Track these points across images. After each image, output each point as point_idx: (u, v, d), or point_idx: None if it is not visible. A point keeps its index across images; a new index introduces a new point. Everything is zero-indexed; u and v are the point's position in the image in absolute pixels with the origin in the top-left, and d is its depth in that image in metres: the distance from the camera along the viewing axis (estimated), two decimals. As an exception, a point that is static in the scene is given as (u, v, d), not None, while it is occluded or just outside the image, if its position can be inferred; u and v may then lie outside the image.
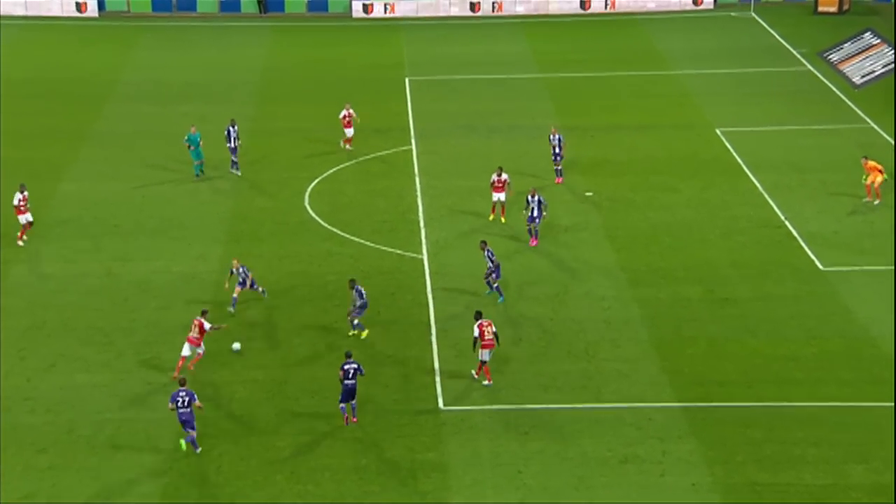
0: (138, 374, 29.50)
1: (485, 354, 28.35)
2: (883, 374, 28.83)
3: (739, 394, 28.17)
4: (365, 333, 30.73)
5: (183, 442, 26.49)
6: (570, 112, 48.01)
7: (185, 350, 29.39)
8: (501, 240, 35.96)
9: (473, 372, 28.68)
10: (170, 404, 26.48)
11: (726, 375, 28.96)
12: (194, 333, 29.25)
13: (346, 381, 27.26)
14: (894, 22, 54.17)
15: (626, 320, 31.66)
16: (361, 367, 27.55)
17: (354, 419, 27.62)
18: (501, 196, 37.35)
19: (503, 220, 37.32)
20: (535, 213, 35.46)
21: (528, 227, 35.77)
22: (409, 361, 29.96)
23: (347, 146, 43.43)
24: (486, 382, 28.56)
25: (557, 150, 40.20)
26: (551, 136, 40.35)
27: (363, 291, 30.63)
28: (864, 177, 38.21)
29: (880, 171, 38.01)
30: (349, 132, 43.23)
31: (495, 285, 32.61)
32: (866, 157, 38.58)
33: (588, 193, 40.00)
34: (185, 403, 26.31)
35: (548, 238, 36.54)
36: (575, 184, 40.68)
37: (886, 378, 28.63)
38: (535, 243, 35.74)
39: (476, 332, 28.28)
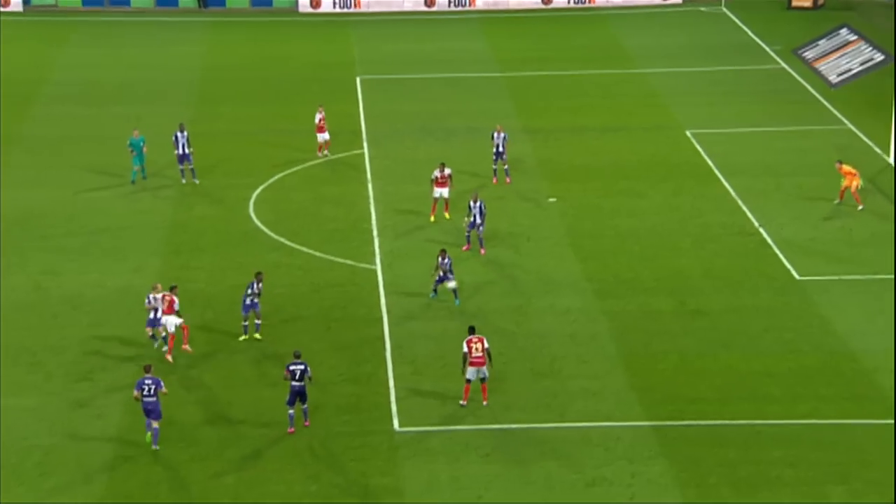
0: (69, 396, 29.22)
1: (470, 373, 28.33)
2: (863, 390, 29.20)
3: (713, 411, 28.42)
4: (242, 337, 31.40)
5: (149, 435, 26.92)
6: (531, 113, 48.27)
7: (170, 326, 30.12)
8: (459, 250, 36.03)
9: (461, 401, 28.58)
10: (135, 391, 26.95)
11: (699, 392, 29.20)
12: (163, 306, 30.07)
13: (294, 383, 27.39)
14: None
15: (593, 334, 31.84)
16: (309, 368, 27.60)
17: (307, 423, 27.70)
18: (444, 192, 37.84)
19: (447, 215, 37.74)
20: (478, 220, 35.65)
21: (467, 234, 35.88)
22: (361, 380, 29.94)
23: (321, 152, 43.30)
24: (462, 402, 28.53)
25: (500, 149, 40.53)
26: (495, 135, 40.62)
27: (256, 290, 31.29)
28: (842, 181, 38.73)
29: (855, 175, 38.52)
30: (323, 137, 43.11)
31: (451, 286, 32.85)
32: (840, 162, 39.06)
33: (551, 199, 40.23)
34: (151, 391, 26.76)
35: (509, 247, 36.71)
36: (537, 189, 40.90)
37: (866, 394, 28.99)
38: (483, 252, 35.94)
39: (464, 349, 28.30)
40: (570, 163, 43.31)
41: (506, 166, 40.90)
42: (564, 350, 31.07)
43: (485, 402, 28.55)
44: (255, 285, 31.40)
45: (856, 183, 38.37)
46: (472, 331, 28.62)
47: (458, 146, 44.37)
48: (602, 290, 34.11)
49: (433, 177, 38.01)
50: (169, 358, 30.17)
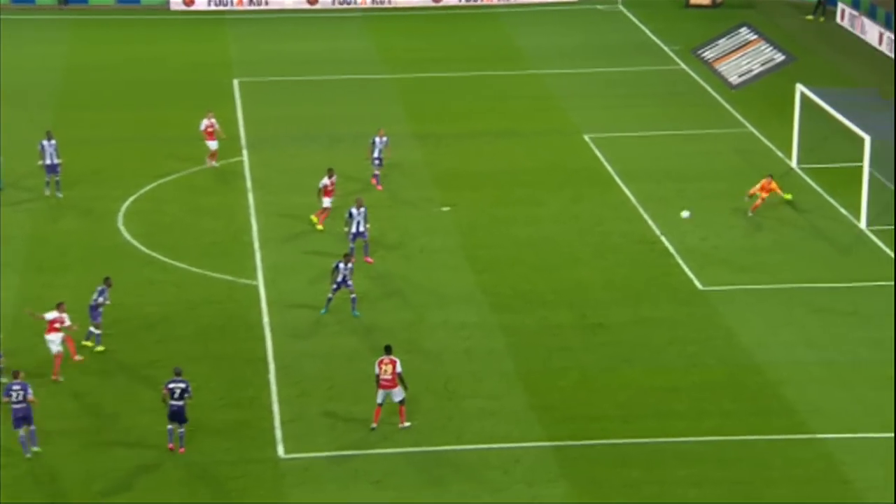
0: (-80, 429, 28.41)
1: (379, 395, 28.31)
2: (768, 404, 29.88)
3: (615, 429, 28.84)
4: (101, 347, 31.27)
5: (33, 448, 27.13)
6: (422, 117, 48.49)
7: (54, 346, 30.03)
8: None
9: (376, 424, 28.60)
10: (3, 398, 27.09)
11: (601, 410, 29.61)
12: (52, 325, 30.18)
13: (172, 402, 27.25)
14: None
15: (490, 351, 32.08)
16: (190, 387, 27.42)
17: (182, 449, 27.45)
18: (331, 202, 38.05)
19: (315, 221, 38.00)
20: (362, 227, 35.75)
21: (351, 246, 35.91)
22: (243, 404, 29.71)
23: (213, 163, 42.87)
24: (372, 426, 28.45)
25: (382, 154, 40.94)
26: (377, 140, 40.94)
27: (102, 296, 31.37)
28: (756, 195, 39.04)
29: (775, 192, 38.93)
30: (213, 145, 42.67)
31: (353, 296, 33.00)
32: (771, 177, 39.37)
33: (445, 208, 40.45)
34: (21, 398, 26.93)
35: (400, 259, 36.80)
36: (429, 198, 41.10)
37: (771, 408, 29.69)
38: (370, 261, 36.04)
39: (376, 370, 28.30)
40: (463, 169, 43.59)
41: (377, 172, 41.15)
42: (460, 368, 31.24)
43: (401, 425, 28.50)
44: (104, 292, 31.16)
45: (764, 196, 38.92)
46: (387, 350, 28.64)
47: (345, 153, 44.32)
48: (498, 303, 34.38)
49: (321, 185, 38.00)
50: (58, 378, 30.02)
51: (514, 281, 35.65)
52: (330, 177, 38.13)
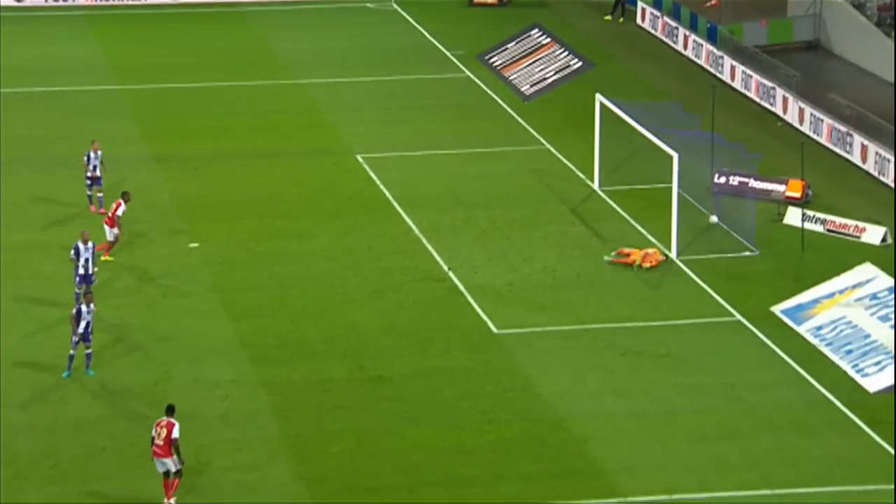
0: None
1: (156, 464, 27.96)
2: (572, 464, 30.57)
3: (399, 501, 29.09)
4: None
5: None
6: (162, 135, 48.11)
7: None
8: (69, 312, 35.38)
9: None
10: None
11: (382, 479, 29.83)
12: None
13: None
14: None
15: (250, 413, 31.96)
16: None
17: None
18: (116, 231, 38.23)
19: (109, 258, 38.24)
20: (92, 268, 35.56)
21: (77, 291, 35.45)
22: (-54, 490, 28.79)
23: None
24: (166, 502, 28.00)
25: (98, 172, 41.03)
26: (92, 154, 41.08)
27: None
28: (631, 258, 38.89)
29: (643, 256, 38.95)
30: None
31: (88, 351, 32.66)
32: (642, 260, 38.97)
33: (193, 245, 40.17)
34: None
35: (139, 306, 36.33)
36: (174, 231, 40.74)
37: (577, 469, 30.39)
38: (93, 307, 35.47)
39: (152, 432, 28.11)
40: (213, 198, 43.39)
41: (100, 194, 40.99)
42: (215, 435, 30.98)
43: (166, 501, 28.06)
44: None
45: (633, 258, 38.94)
46: (168, 410, 28.37)
47: (68, 179, 43.61)
48: (260, 356, 34.29)
49: (120, 214, 38.11)
50: None
51: (278, 329, 35.62)
52: (126, 202, 38.30)
